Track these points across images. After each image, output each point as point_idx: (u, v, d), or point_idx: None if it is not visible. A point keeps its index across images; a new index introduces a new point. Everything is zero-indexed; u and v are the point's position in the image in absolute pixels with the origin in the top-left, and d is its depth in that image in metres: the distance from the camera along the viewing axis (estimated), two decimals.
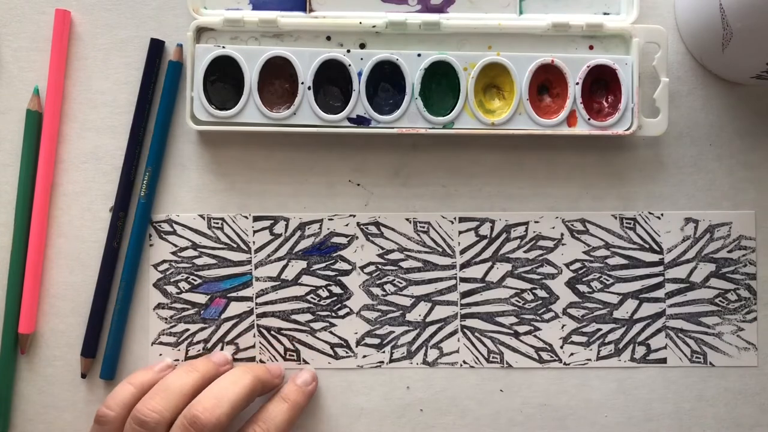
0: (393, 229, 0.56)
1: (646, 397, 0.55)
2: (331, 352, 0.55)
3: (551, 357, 0.56)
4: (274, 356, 0.55)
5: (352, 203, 0.56)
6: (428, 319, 0.55)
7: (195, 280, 0.55)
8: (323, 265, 0.55)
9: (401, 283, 0.55)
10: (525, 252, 0.56)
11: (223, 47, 0.53)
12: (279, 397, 0.53)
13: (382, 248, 0.56)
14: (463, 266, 0.56)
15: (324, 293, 0.55)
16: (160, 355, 0.55)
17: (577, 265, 0.56)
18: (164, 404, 0.49)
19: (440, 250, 0.56)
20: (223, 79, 0.54)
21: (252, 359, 0.55)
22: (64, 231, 0.55)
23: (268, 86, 0.54)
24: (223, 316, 0.55)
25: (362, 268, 0.55)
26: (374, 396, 0.55)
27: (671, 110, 0.55)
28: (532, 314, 0.56)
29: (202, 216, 0.55)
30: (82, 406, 0.55)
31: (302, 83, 0.53)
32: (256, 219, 0.55)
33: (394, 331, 0.55)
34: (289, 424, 0.52)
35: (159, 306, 0.55)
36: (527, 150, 0.56)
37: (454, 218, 0.56)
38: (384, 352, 0.55)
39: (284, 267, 0.55)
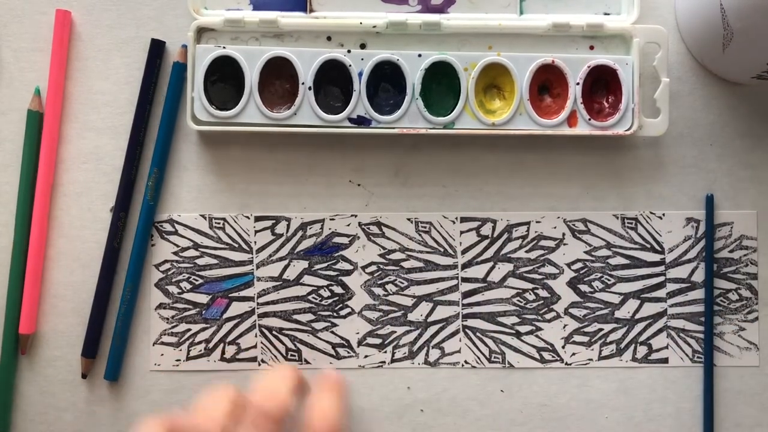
0: (394, 229, 0.56)
1: (647, 397, 0.55)
2: (332, 352, 0.55)
3: (553, 357, 0.56)
4: (275, 356, 0.55)
5: (353, 203, 0.56)
6: (430, 319, 0.55)
7: (196, 280, 0.55)
8: (325, 265, 0.55)
9: (403, 283, 0.55)
10: (526, 252, 0.56)
11: (224, 47, 0.53)
12: (321, 391, 0.50)
13: (384, 248, 0.56)
14: (465, 266, 0.56)
15: (325, 293, 0.55)
16: (162, 355, 0.55)
17: (579, 264, 0.56)
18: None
19: (442, 250, 0.56)
20: (224, 80, 0.54)
21: (253, 359, 0.55)
22: (65, 231, 0.55)
23: (268, 86, 0.54)
24: (225, 316, 0.55)
25: (364, 268, 0.55)
26: (375, 396, 0.55)
27: (672, 110, 0.55)
28: (533, 314, 0.56)
29: (203, 216, 0.55)
30: (83, 407, 0.55)
31: (303, 83, 0.53)
32: (258, 219, 0.55)
33: (395, 331, 0.55)
34: (342, 411, 0.49)
35: (160, 306, 0.55)
36: (528, 150, 0.56)
37: (456, 218, 0.56)
38: (386, 352, 0.55)
39: (286, 267, 0.55)
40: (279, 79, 0.54)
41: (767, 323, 0.56)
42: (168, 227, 0.55)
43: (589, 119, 0.54)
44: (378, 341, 0.56)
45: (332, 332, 0.55)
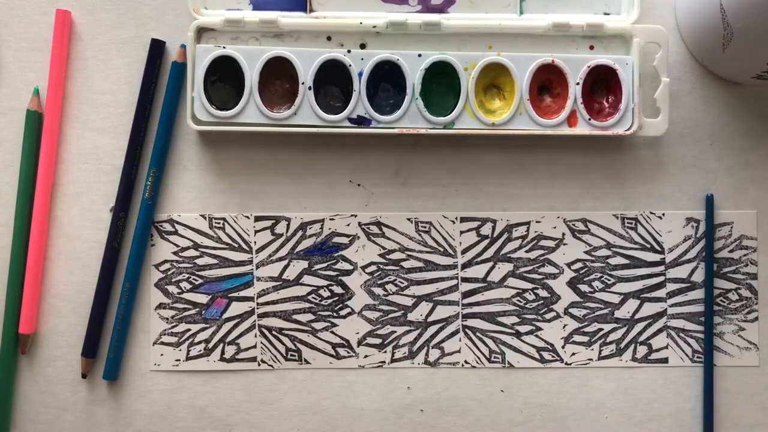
0: (394, 229, 0.56)
1: (647, 397, 0.55)
2: (332, 352, 0.55)
3: (553, 357, 0.56)
4: (275, 356, 0.55)
5: (353, 203, 0.56)
6: (430, 319, 0.55)
7: (196, 280, 0.55)
8: (324, 265, 0.55)
9: (403, 283, 0.55)
10: (526, 252, 0.56)
11: (224, 47, 0.53)
12: None
13: (384, 248, 0.56)
14: (465, 266, 0.56)
15: (325, 293, 0.55)
16: (161, 355, 0.55)
17: (579, 264, 0.56)
18: None
19: (441, 250, 0.56)
20: (224, 80, 0.54)
21: (253, 359, 0.55)
22: (65, 231, 0.55)
23: (268, 86, 0.54)
24: (225, 316, 0.55)
25: (363, 268, 0.55)
26: (375, 396, 0.55)
27: (672, 110, 0.55)
28: (533, 314, 0.56)
29: (203, 216, 0.55)
30: (83, 407, 0.55)
31: (303, 83, 0.53)
32: (258, 219, 0.55)
33: (395, 331, 0.55)
34: None
35: (160, 306, 0.55)
36: (528, 150, 0.56)
37: (456, 218, 0.56)
38: (386, 352, 0.55)
39: (285, 267, 0.55)
40: (279, 79, 0.54)
41: (767, 323, 0.56)
42: (168, 227, 0.55)
43: (589, 119, 0.54)
44: (378, 341, 0.55)
45: (332, 332, 0.55)
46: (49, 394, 0.55)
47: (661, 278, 0.56)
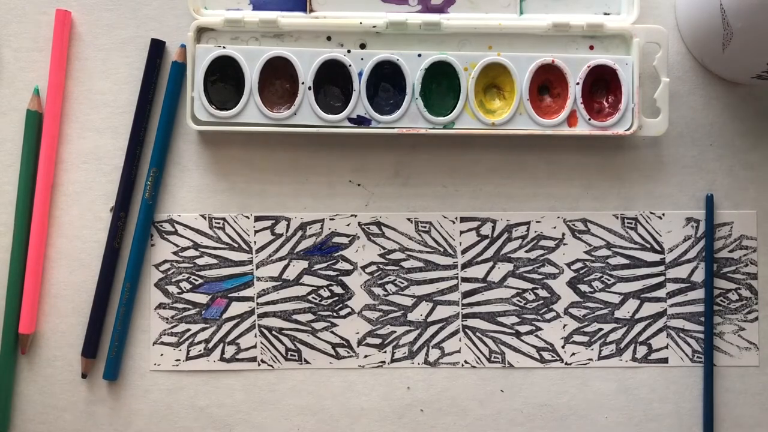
0: (394, 229, 0.56)
1: (647, 397, 0.55)
2: (332, 352, 0.55)
3: (552, 357, 0.56)
4: (275, 356, 0.55)
5: (353, 203, 0.56)
6: (430, 319, 0.55)
7: (196, 280, 0.55)
8: (324, 265, 0.55)
9: (403, 283, 0.55)
10: (526, 252, 0.56)
11: (224, 47, 0.53)
12: None
13: (384, 248, 0.56)
14: (465, 266, 0.56)
15: (325, 293, 0.55)
16: (161, 355, 0.55)
17: (579, 264, 0.56)
18: None
19: (441, 249, 0.56)
20: (224, 79, 0.54)
21: (253, 359, 0.55)
22: (65, 231, 0.55)
23: (268, 86, 0.54)
24: (225, 316, 0.55)
25: (363, 268, 0.55)
26: (375, 396, 0.55)
27: (672, 110, 0.55)
28: (533, 314, 0.56)
29: (203, 216, 0.55)
30: (83, 406, 0.55)
31: (303, 83, 0.53)
32: (258, 219, 0.55)
33: (395, 331, 0.55)
34: None
35: (160, 306, 0.55)
36: (528, 150, 0.56)
37: (456, 218, 0.56)
38: (386, 352, 0.55)
39: (285, 267, 0.55)
40: (279, 79, 0.54)
41: (767, 323, 0.56)
42: (168, 227, 0.55)
43: (589, 119, 0.54)
44: (378, 341, 0.55)
45: (332, 332, 0.55)
46: (49, 394, 0.55)
47: (661, 278, 0.56)
